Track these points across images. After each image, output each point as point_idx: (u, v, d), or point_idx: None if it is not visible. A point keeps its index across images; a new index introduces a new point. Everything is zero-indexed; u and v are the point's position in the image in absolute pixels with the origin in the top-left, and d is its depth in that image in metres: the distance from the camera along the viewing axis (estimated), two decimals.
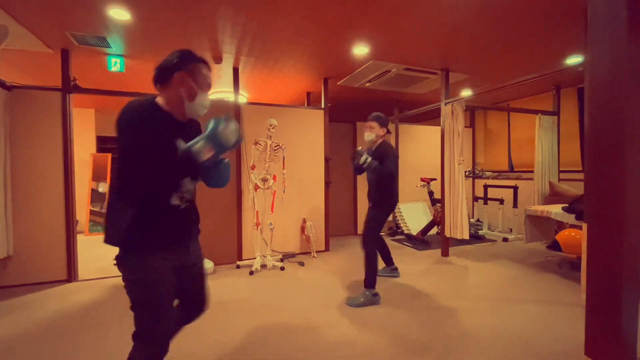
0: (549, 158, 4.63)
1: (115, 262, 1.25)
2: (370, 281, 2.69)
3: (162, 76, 1.26)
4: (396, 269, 3.37)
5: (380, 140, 2.84)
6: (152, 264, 1.24)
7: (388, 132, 2.91)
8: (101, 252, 4.59)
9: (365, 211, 2.94)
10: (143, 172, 1.15)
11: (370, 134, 2.84)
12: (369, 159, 2.66)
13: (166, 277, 1.27)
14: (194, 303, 1.48)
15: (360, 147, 2.83)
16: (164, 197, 1.25)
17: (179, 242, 1.34)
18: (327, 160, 4.46)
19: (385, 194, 2.83)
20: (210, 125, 1.18)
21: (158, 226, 1.25)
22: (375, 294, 2.68)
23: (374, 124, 2.83)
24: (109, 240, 1.23)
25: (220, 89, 4.85)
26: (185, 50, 1.29)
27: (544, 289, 2.96)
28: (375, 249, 2.77)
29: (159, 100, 1.27)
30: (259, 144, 3.71)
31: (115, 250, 1.23)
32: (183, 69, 1.26)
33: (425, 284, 3.13)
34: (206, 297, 1.50)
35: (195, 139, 1.18)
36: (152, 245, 1.24)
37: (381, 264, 3.12)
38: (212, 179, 1.34)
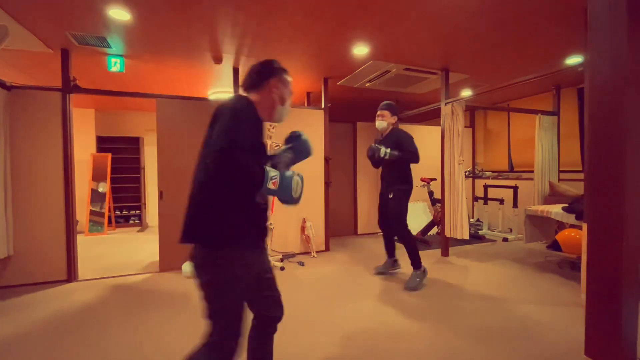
0: (549, 158, 4.63)
1: (197, 261, 1.17)
2: (416, 263, 3.02)
3: (258, 80, 1.32)
4: (396, 260, 3.44)
5: (390, 128, 3.00)
6: (249, 260, 1.20)
7: (399, 119, 3.08)
8: (101, 252, 4.59)
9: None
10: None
11: (381, 122, 2.96)
12: (389, 150, 2.84)
13: (252, 278, 1.23)
14: (271, 299, 1.37)
15: (373, 143, 3.01)
16: (252, 194, 1.20)
17: (264, 241, 1.31)
18: (327, 160, 4.46)
19: (404, 178, 3.03)
20: (297, 141, 1.39)
21: (255, 221, 1.23)
22: (424, 270, 3.04)
23: (385, 112, 2.94)
24: (197, 237, 1.15)
25: (220, 89, 4.85)
26: (275, 60, 1.38)
27: (544, 289, 2.96)
28: (410, 234, 3.02)
29: (255, 100, 1.30)
30: None
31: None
32: (278, 75, 1.34)
33: (425, 284, 3.13)
34: (279, 294, 1.40)
35: (284, 151, 1.36)
36: (249, 241, 1.20)
37: (382, 260, 3.41)
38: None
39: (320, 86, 4.51)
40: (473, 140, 6.54)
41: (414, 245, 3.03)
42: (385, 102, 3.06)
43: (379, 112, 3.01)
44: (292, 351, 2.01)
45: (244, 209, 1.19)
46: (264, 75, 1.32)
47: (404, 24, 2.87)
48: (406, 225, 3.05)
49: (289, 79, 1.40)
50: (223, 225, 1.14)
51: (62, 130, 3.27)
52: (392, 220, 3.08)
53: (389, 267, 3.39)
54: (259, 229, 1.27)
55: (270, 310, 1.36)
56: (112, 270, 3.64)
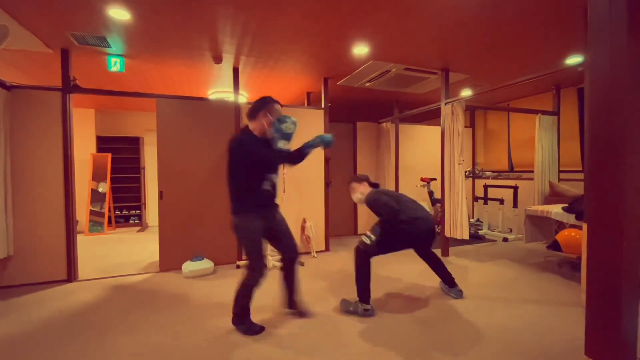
0: (549, 158, 4.63)
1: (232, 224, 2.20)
2: (361, 296, 2.49)
3: (253, 114, 2.22)
4: (453, 283, 2.87)
5: (367, 195, 2.66)
6: (249, 222, 2.17)
7: (372, 185, 2.80)
8: (101, 252, 4.59)
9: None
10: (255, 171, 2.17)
11: (355, 195, 2.77)
12: (372, 236, 2.41)
13: (259, 230, 2.18)
14: (286, 245, 2.36)
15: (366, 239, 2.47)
16: (260, 184, 2.19)
17: (268, 210, 2.27)
18: (327, 160, 4.46)
19: (397, 226, 2.53)
20: (277, 130, 2.13)
21: (258, 201, 2.20)
22: (366, 309, 2.47)
23: (353, 185, 2.81)
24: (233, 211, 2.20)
25: (220, 89, 4.85)
26: (267, 97, 2.23)
27: (544, 289, 2.96)
28: (365, 263, 2.50)
29: (251, 128, 2.24)
30: None
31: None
32: (265, 109, 2.20)
33: (425, 284, 3.13)
34: (293, 242, 2.39)
35: (276, 142, 2.15)
36: (253, 212, 2.18)
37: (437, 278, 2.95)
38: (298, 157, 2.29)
39: (320, 86, 4.51)
40: (473, 140, 6.54)
41: (362, 276, 2.50)
42: (351, 177, 2.91)
43: (349, 188, 2.84)
44: (292, 351, 2.01)
45: (250, 193, 2.19)
46: (256, 111, 2.21)
47: (404, 24, 2.87)
48: (367, 252, 2.49)
49: (276, 106, 2.23)
50: (236, 203, 2.20)
51: (62, 130, 3.27)
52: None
53: (448, 290, 2.89)
54: (259, 204, 2.21)
55: (285, 253, 2.38)
56: (112, 270, 3.64)
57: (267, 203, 2.24)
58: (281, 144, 2.12)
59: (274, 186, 2.26)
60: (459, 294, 2.83)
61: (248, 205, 2.16)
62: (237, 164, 2.14)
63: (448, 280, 2.86)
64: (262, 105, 2.19)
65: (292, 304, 2.48)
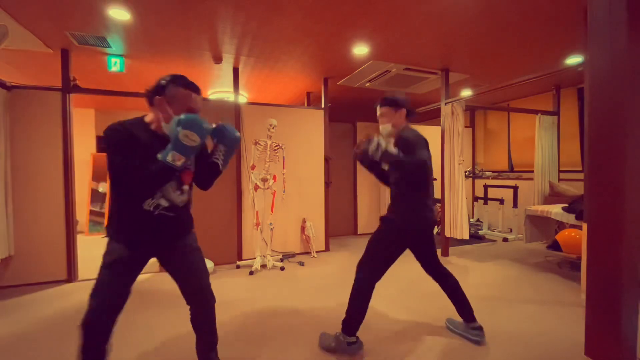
0: (549, 158, 4.63)
1: None
2: (346, 326, 1.96)
3: (149, 97, 1.44)
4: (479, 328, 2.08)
5: (401, 129, 1.96)
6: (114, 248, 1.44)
7: (410, 114, 2.03)
8: (101, 252, 4.59)
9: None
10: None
11: (384, 125, 2.00)
12: (384, 144, 1.71)
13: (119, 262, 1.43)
14: (192, 296, 1.58)
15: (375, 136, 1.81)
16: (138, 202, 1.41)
17: (152, 240, 1.49)
18: (327, 160, 4.46)
19: (403, 205, 1.93)
20: (172, 133, 1.31)
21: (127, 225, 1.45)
22: (349, 343, 1.95)
23: (385, 110, 2.00)
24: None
25: (220, 89, 4.85)
26: (176, 76, 1.42)
27: (544, 289, 2.96)
28: (366, 291, 1.94)
29: (147, 117, 1.48)
30: (259, 144, 3.71)
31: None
32: (164, 94, 1.40)
33: (425, 284, 3.13)
34: (203, 290, 1.58)
35: (165, 150, 1.31)
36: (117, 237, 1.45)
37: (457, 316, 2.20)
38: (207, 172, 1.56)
39: (320, 86, 4.51)
40: (473, 140, 6.54)
41: (358, 306, 1.95)
42: (384, 96, 2.06)
43: (378, 112, 2.05)
44: (292, 350, 2.01)
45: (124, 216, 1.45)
46: (149, 94, 1.45)
47: (404, 24, 2.87)
48: (369, 273, 1.94)
49: (184, 93, 1.42)
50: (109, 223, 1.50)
51: (62, 130, 3.27)
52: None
53: (465, 332, 2.13)
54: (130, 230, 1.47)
55: (191, 302, 1.62)
56: None
57: (146, 230, 1.45)
58: (169, 156, 1.29)
59: (173, 205, 1.47)
60: (480, 336, 2.03)
61: (111, 227, 1.47)
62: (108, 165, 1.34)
63: (465, 313, 2.08)
64: (162, 87, 1.40)
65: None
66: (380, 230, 1.97)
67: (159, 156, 1.30)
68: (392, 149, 1.75)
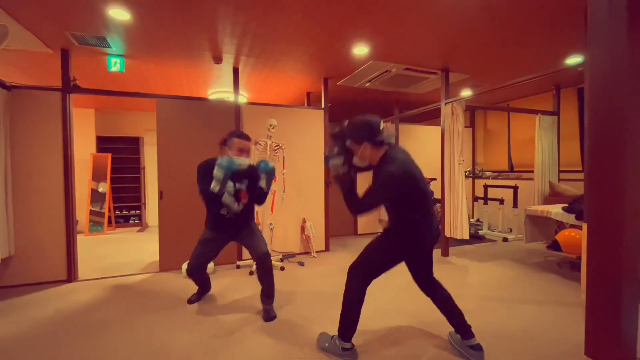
0: (549, 158, 4.63)
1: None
2: (342, 331, 1.95)
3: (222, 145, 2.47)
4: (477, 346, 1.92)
5: (380, 157, 1.80)
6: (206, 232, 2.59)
7: (376, 143, 1.78)
8: (101, 252, 4.59)
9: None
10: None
11: (355, 159, 1.89)
12: (337, 161, 1.74)
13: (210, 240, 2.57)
14: (257, 259, 2.47)
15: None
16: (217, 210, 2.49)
17: (227, 230, 2.57)
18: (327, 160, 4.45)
19: (406, 226, 1.84)
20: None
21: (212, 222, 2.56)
22: (346, 350, 1.94)
23: (349, 143, 1.86)
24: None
25: (220, 89, 4.85)
26: (234, 131, 2.49)
27: (544, 289, 2.96)
28: (358, 295, 1.94)
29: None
30: (259, 144, 3.71)
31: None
32: (227, 143, 2.44)
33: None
34: (260, 249, 2.48)
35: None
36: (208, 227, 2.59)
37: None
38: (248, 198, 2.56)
39: (320, 86, 4.51)
40: (473, 140, 6.54)
41: (351, 311, 1.95)
42: (333, 130, 1.93)
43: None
44: (292, 350, 2.01)
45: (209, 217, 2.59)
46: (222, 143, 2.48)
47: (404, 24, 2.87)
48: (361, 280, 1.92)
49: (236, 140, 2.42)
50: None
51: (62, 130, 3.27)
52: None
53: (463, 348, 1.97)
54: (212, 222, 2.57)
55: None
56: (112, 270, 3.64)
57: (216, 222, 2.53)
58: (213, 184, 2.27)
59: (234, 212, 2.50)
60: (478, 357, 1.88)
61: (207, 222, 2.60)
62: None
63: (461, 328, 1.96)
64: (227, 137, 2.43)
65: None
66: (381, 239, 1.93)
67: (212, 185, 2.30)
68: (338, 164, 1.78)
